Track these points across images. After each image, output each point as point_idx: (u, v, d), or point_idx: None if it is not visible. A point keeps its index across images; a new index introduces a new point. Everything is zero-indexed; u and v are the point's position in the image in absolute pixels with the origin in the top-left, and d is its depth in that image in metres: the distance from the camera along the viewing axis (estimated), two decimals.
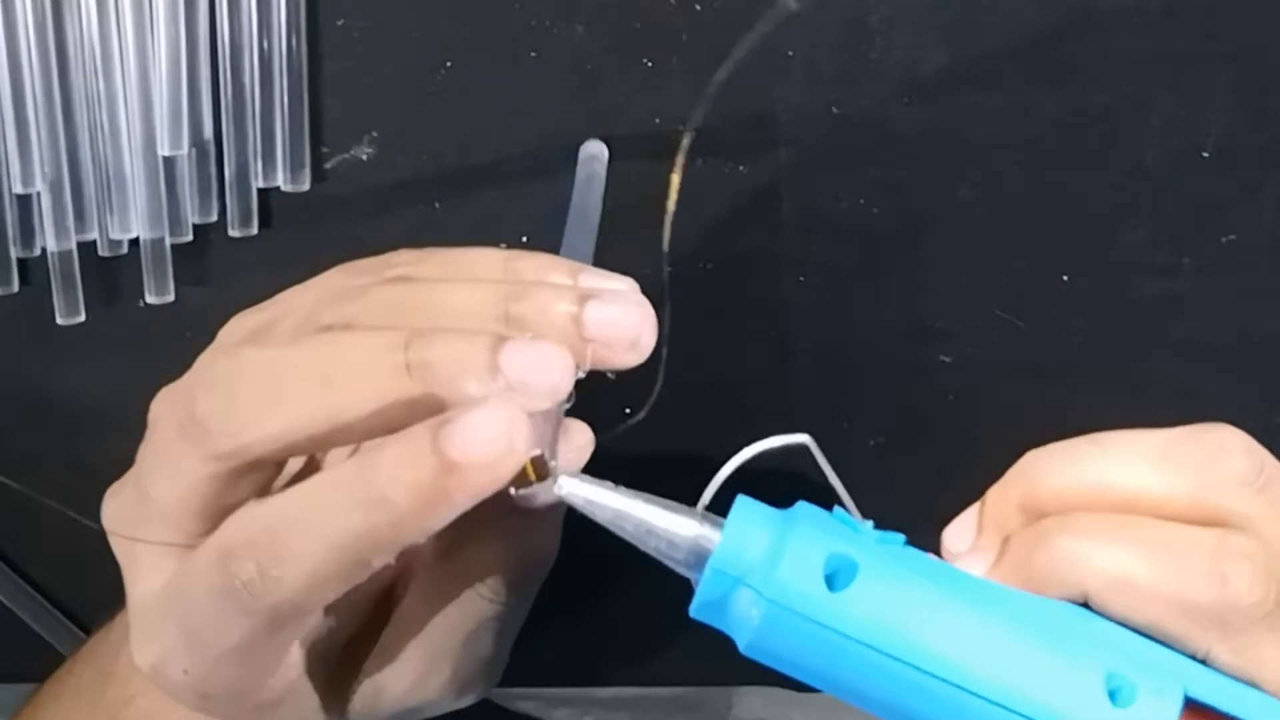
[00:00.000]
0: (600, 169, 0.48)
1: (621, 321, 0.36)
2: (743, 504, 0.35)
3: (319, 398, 0.34)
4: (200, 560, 0.37)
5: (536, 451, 0.34)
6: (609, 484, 0.35)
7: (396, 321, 0.36)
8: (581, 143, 0.51)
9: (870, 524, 0.35)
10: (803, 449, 0.35)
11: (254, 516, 0.36)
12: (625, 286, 0.38)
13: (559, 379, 0.35)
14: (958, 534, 0.36)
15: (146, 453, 0.38)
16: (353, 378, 0.34)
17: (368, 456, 0.34)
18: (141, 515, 0.38)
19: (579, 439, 0.39)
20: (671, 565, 0.35)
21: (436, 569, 0.41)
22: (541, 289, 0.36)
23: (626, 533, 0.35)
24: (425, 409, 0.34)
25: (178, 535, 0.37)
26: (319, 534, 0.34)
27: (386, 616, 0.41)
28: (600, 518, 0.35)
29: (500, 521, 0.39)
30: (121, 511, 0.39)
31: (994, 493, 0.37)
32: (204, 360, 0.38)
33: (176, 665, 0.38)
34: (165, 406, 0.38)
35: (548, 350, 0.34)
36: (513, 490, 0.34)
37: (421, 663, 0.41)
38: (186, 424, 0.36)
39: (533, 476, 0.34)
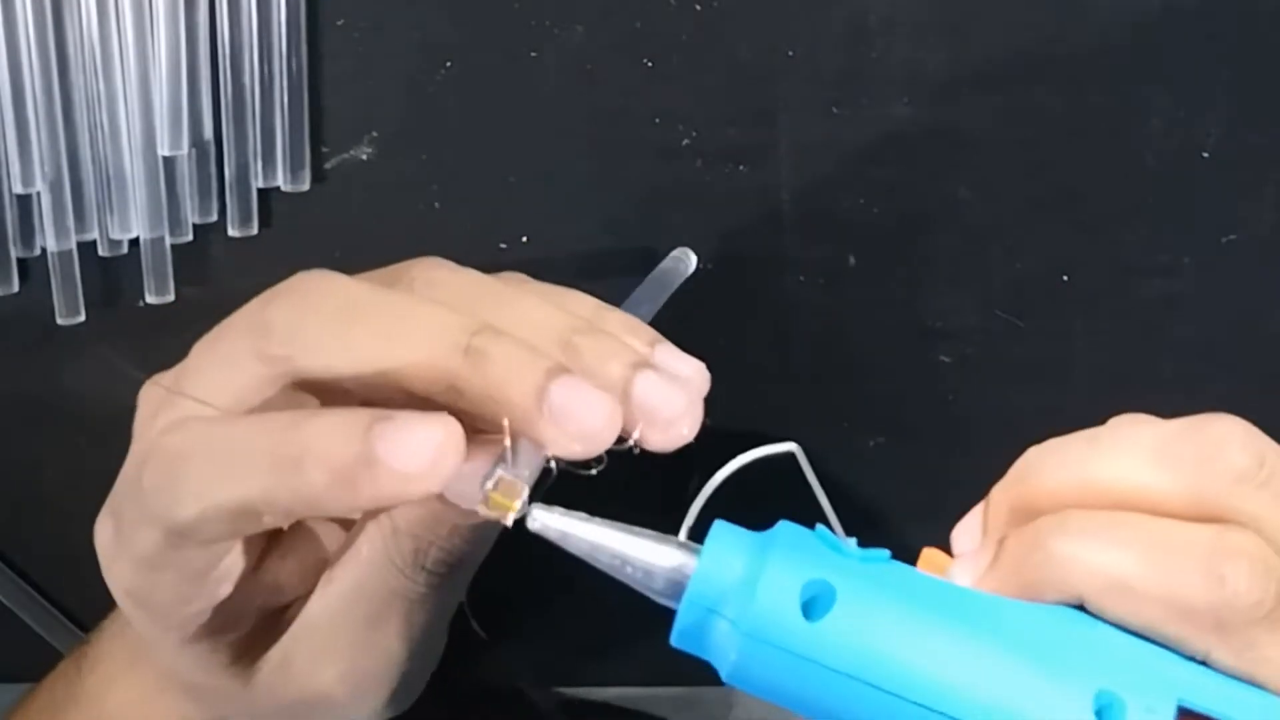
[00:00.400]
0: (684, 270, 0.50)
1: (667, 401, 0.36)
2: (720, 530, 0.35)
3: (381, 344, 0.34)
4: (132, 454, 0.37)
5: (508, 477, 0.34)
6: (581, 515, 0.34)
7: (471, 305, 0.36)
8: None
9: (854, 541, 0.35)
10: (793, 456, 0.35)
11: (188, 429, 0.36)
12: (692, 371, 0.38)
13: (599, 429, 0.34)
14: (963, 535, 0.36)
15: (201, 357, 0.38)
16: (415, 335, 0.34)
17: (302, 415, 0.34)
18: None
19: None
20: (651, 595, 0.34)
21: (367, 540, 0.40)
22: (610, 338, 0.36)
23: (602, 564, 0.34)
24: (465, 400, 0.34)
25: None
26: (224, 468, 0.34)
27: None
28: (574, 549, 0.34)
29: (436, 508, 0.39)
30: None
31: (996, 492, 0.36)
32: (282, 285, 0.38)
33: (111, 550, 0.38)
34: (239, 314, 0.38)
35: (599, 398, 0.34)
36: (481, 509, 0.34)
37: (325, 640, 0.40)
38: (252, 326, 0.36)
39: (507, 505, 0.34)
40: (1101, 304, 0.53)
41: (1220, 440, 0.34)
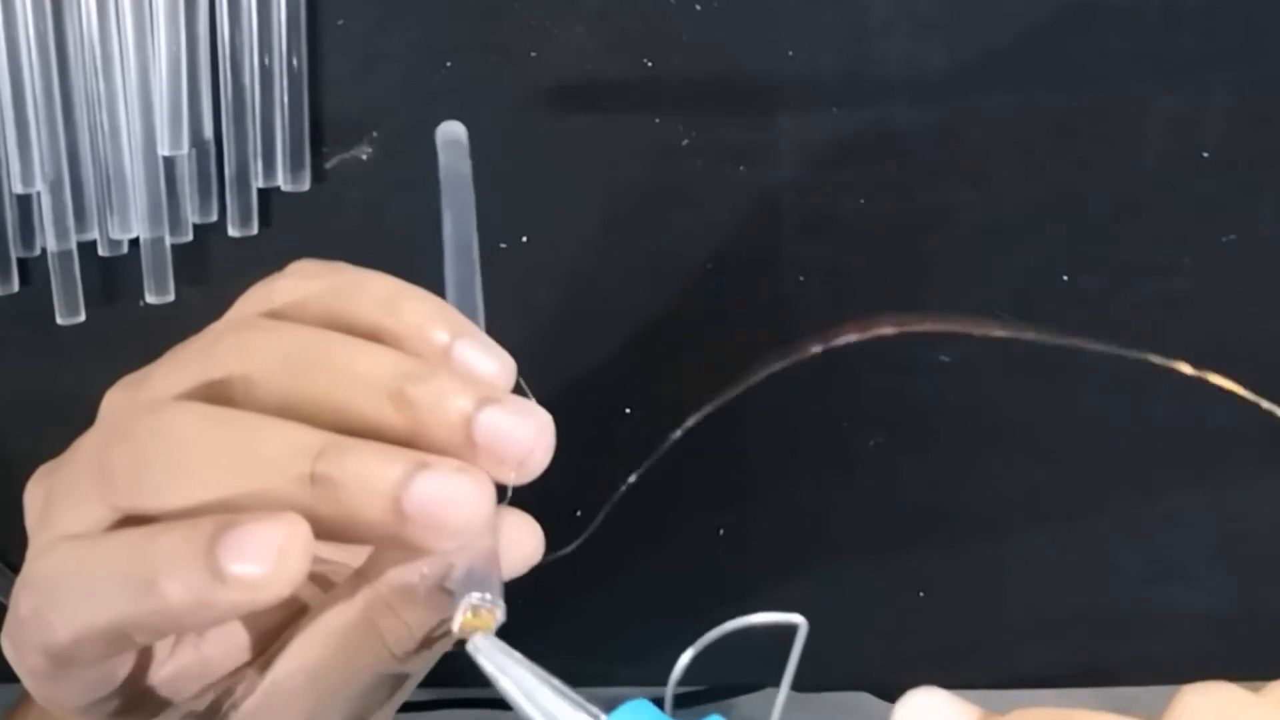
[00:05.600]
0: (462, 144, 0.44)
1: (515, 435, 0.33)
2: (629, 710, 0.33)
3: (223, 488, 0.33)
4: (15, 582, 0.36)
5: (485, 606, 0.32)
6: (520, 657, 0.32)
7: (294, 382, 0.34)
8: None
9: None
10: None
11: (55, 553, 0.34)
12: (498, 365, 0.35)
13: (470, 517, 0.32)
14: None
15: (60, 473, 0.37)
16: (256, 476, 0.32)
17: (148, 534, 0.33)
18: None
19: (522, 547, 0.35)
20: None
21: (344, 606, 0.37)
22: (443, 376, 0.34)
23: (518, 709, 0.33)
24: (324, 525, 0.32)
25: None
26: (86, 597, 0.33)
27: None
28: (499, 686, 0.32)
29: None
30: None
31: None
32: (117, 417, 0.36)
33: (12, 657, 0.37)
34: (87, 438, 0.36)
35: (461, 487, 0.32)
36: (453, 627, 0.32)
37: (286, 708, 0.37)
38: (96, 470, 0.35)
39: (480, 627, 0.32)
40: (1101, 304, 0.53)
41: None
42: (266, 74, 0.49)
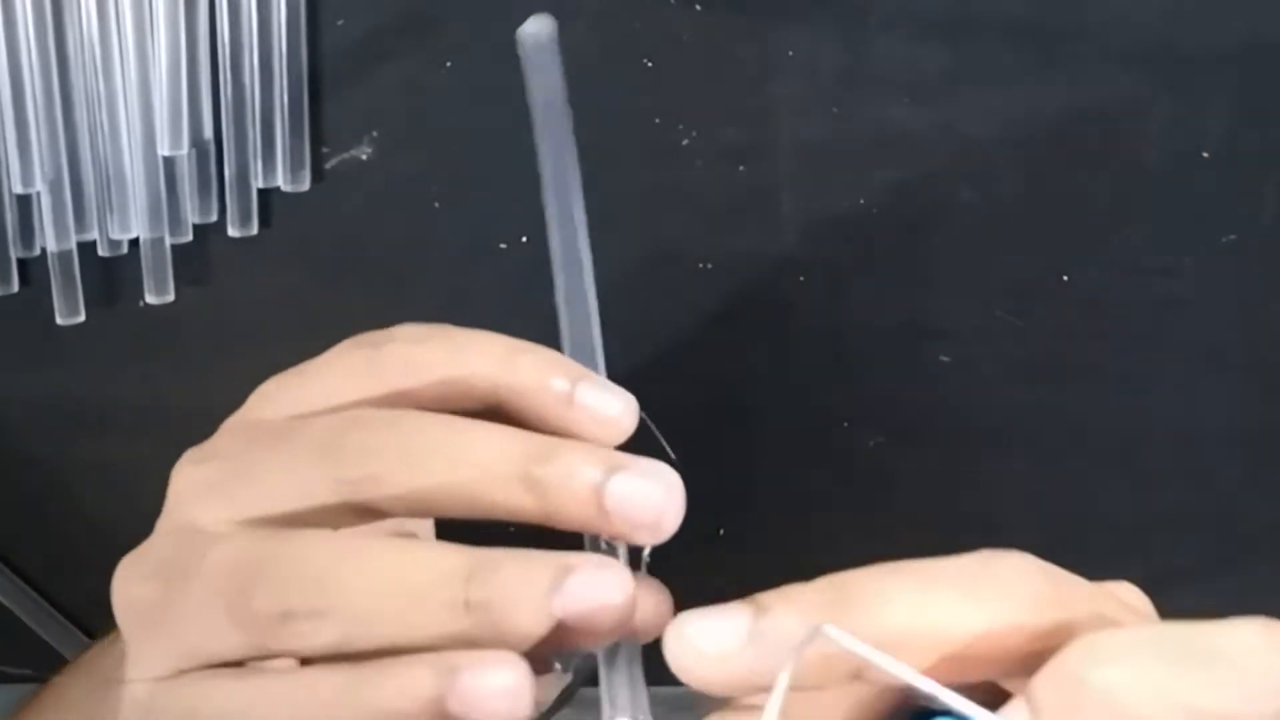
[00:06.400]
0: (553, 62, 0.40)
1: (646, 502, 0.34)
2: None
3: (374, 619, 0.32)
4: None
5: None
6: None
7: (421, 480, 0.34)
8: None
9: None
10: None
11: (217, 692, 0.34)
12: (621, 408, 0.36)
13: (620, 614, 0.32)
14: None
15: (181, 594, 0.35)
16: (410, 605, 0.32)
17: (356, 679, 0.32)
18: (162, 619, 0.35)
19: (655, 612, 0.35)
20: None
21: None
22: (568, 450, 0.34)
23: None
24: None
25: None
26: None
27: None
28: None
29: None
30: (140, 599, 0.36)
31: None
32: (243, 545, 0.34)
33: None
34: (210, 567, 0.34)
35: (610, 585, 0.32)
36: None
37: None
38: (236, 613, 0.33)
39: None
40: (1101, 304, 0.53)
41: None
42: (266, 74, 0.49)
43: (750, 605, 0.32)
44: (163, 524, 0.37)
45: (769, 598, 0.33)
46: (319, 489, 0.34)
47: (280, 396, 0.37)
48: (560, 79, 0.40)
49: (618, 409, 0.36)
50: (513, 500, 0.33)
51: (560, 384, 0.35)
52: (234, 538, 0.34)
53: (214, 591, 0.34)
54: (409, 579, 0.32)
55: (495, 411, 0.35)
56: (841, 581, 0.32)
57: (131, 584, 0.36)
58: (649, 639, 0.34)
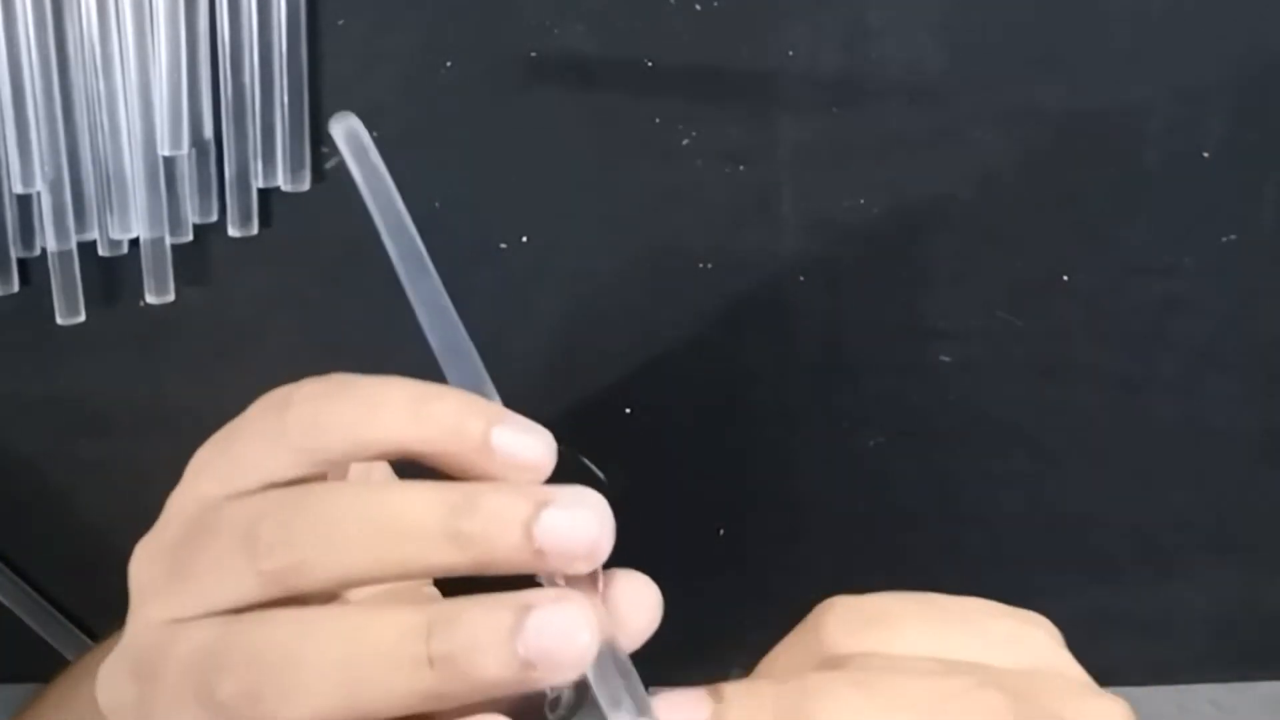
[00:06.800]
0: (364, 140, 0.41)
1: (578, 533, 0.33)
2: None
3: (341, 688, 0.32)
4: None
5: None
6: None
7: (349, 559, 0.33)
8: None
9: None
10: None
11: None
12: (539, 444, 0.34)
13: (586, 645, 0.32)
14: None
15: (154, 692, 0.35)
16: (375, 669, 0.32)
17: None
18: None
19: (639, 617, 0.35)
20: None
21: None
22: (490, 497, 0.33)
23: None
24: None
25: None
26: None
27: None
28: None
29: None
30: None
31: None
32: (200, 641, 0.34)
33: None
34: (176, 662, 0.34)
35: (573, 622, 0.32)
36: None
37: None
38: (206, 703, 0.33)
39: None
40: (1101, 304, 0.53)
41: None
42: (266, 74, 0.49)
43: (712, 697, 0.33)
44: (130, 618, 0.36)
45: (733, 690, 0.33)
46: (247, 584, 0.34)
47: (211, 468, 0.36)
48: (377, 161, 0.41)
49: (537, 450, 0.34)
50: (444, 559, 0.33)
51: (475, 428, 0.34)
52: (192, 628, 0.34)
53: (181, 687, 0.34)
54: (370, 644, 0.32)
55: (412, 462, 0.35)
56: (807, 690, 0.32)
57: (113, 683, 0.36)
58: (631, 647, 0.34)
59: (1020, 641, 0.34)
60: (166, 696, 0.34)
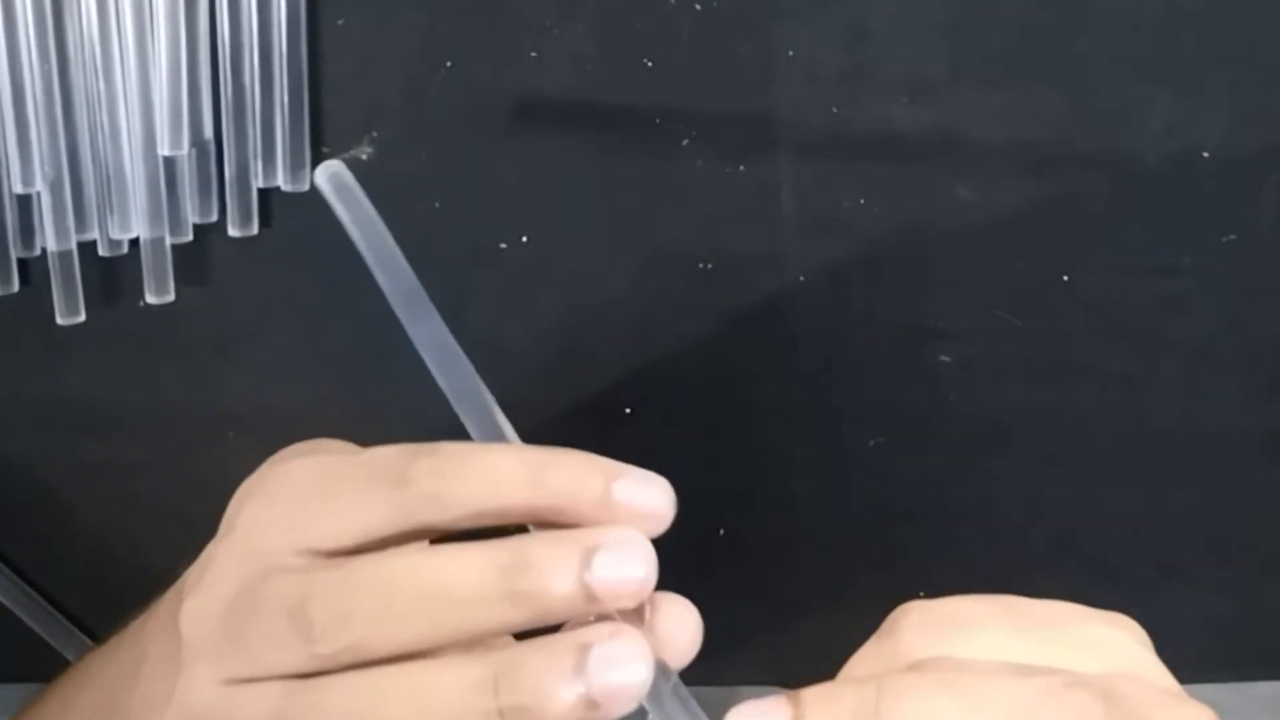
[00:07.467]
0: (355, 192, 0.42)
1: (631, 574, 0.33)
2: None
3: None
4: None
5: None
6: None
7: (409, 633, 0.33)
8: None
9: None
10: None
11: None
12: (659, 500, 0.35)
13: (645, 677, 0.32)
14: None
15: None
16: None
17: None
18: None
19: (681, 638, 0.35)
20: None
21: None
22: (538, 549, 0.33)
23: None
24: None
25: None
26: None
27: None
28: None
29: None
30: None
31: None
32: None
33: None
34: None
35: (630, 654, 0.32)
36: None
37: None
38: None
39: None
40: (1101, 304, 0.53)
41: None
42: (266, 74, 0.49)
43: (791, 703, 0.33)
44: (183, 674, 0.36)
45: (811, 695, 0.33)
46: (304, 661, 0.34)
47: (282, 525, 0.36)
48: (368, 207, 0.42)
49: (657, 499, 0.35)
50: (502, 620, 0.33)
51: (594, 488, 0.34)
52: (255, 692, 0.34)
53: None
54: (441, 703, 0.32)
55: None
56: (886, 690, 0.32)
57: None
58: (685, 659, 0.34)
59: (1104, 645, 0.33)
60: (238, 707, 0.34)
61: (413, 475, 0.35)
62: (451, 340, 0.39)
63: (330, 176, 0.42)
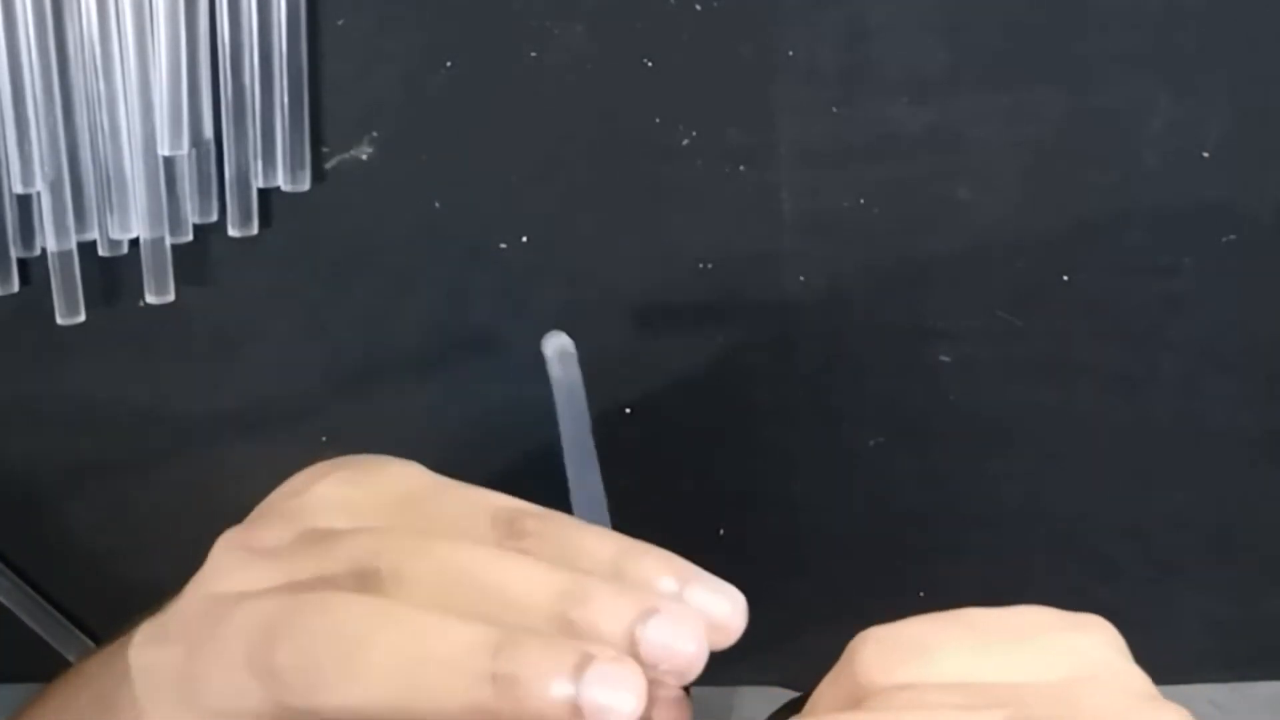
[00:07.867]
0: (573, 368, 0.49)
1: (677, 649, 0.33)
2: None
3: (401, 681, 0.32)
4: None
5: None
6: None
7: (446, 597, 0.33)
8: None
9: None
10: None
11: None
12: (731, 606, 0.34)
13: (633, 709, 0.32)
14: None
15: (203, 653, 0.35)
16: (438, 672, 0.32)
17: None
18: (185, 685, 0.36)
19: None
20: None
21: None
22: (601, 593, 0.33)
23: None
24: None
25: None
26: None
27: None
28: None
29: None
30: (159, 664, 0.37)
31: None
32: (272, 606, 0.35)
33: None
34: (237, 623, 0.34)
35: (626, 683, 0.32)
36: None
37: None
38: (259, 666, 0.34)
39: None
40: (1101, 304, 0.53)
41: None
42: (266, 74, 0.49)
43: None
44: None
45: None
46: (346, 575, 0.34)
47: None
48: (579, 378, 0.51)
49: (727, 610, 0.34)
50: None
51: (669, 586, 0.34)
52: (256, 598, 0.34)
53: (233, 649, 0.34)
54: (440, 647, 0.32)
55: None
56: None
57: (154, 642, 0.36)
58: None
59: (1072, 652, 0.33)
60: (215, 659, 0.34)
61: (522, 524, 0.35)
62: (603, 493, 0.45)
63: (556, 346, 0.51)
